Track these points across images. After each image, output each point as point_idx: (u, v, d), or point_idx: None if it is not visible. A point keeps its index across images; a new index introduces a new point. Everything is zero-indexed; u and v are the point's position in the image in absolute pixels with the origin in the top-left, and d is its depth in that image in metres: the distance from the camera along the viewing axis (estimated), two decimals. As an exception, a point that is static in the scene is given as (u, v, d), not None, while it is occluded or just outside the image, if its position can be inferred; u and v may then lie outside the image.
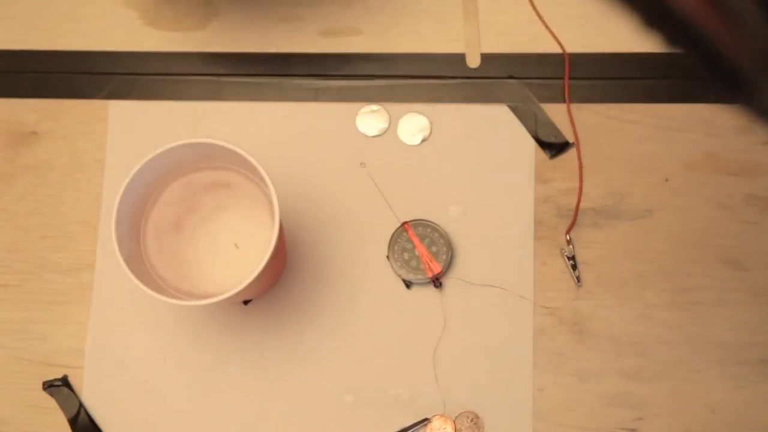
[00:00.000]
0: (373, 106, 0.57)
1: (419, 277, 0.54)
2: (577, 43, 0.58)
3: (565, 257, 0.54)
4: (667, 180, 0.56)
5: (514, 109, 0.57)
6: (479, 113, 0.57)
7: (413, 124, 0.55)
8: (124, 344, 0.55)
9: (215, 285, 0.49)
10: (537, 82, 0.58)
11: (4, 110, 0.59)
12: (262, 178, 0.46)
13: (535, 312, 0.54)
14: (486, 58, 0.58)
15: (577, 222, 0.54)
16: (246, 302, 0.55)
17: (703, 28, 0.28)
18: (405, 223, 0.55)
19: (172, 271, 0.49)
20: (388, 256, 0.55)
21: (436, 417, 0.53)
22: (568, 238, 0.55)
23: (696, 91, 0.57)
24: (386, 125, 0.56)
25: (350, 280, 0.55)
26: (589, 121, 0.54)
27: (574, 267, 0.54)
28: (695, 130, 0.57)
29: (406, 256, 0.55)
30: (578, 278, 0.54)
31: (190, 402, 0.54)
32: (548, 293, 0.54)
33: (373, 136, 0.56)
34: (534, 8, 0.49)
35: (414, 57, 0.59)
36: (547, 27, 0.50)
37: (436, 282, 0.54)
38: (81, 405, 0.54)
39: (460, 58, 0.58)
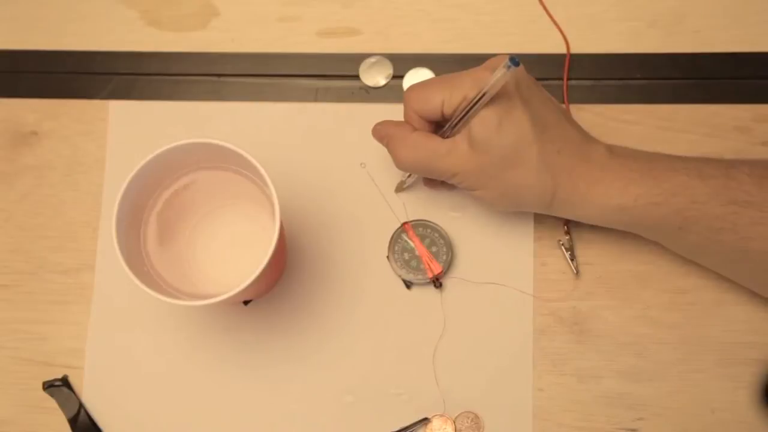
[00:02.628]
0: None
1: (419, 277, 0.54)
2: (576, 44, 0.58)
3: (563, 248, 0.54)
4: (666, 180, 0.56)
5: (514, 110, 0.57)
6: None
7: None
8: (124, 344, 0.55)
9: (215, 285, 0.49)
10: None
11: (4, 110, 0.59)
12: (262, 179, 0.45)
13: (535, 312, 0.54)
14: (486, 58, 0.58)
15: (578, 222, 0.54)
16: (246, 302, 0.55)
17: None
18: (405, 223, 0.55)
19: (172, 271, 0.49)
20: (388, 256, 0.55)
21: (436, 417, 0.53)
22: (566, 228, 0.55)
23: (696, 92, 0.57)
24: None
25: (350, 280, 0.55)
26: (589, 121, 0.54)
27: (572, 258, 0.54)
28: (695, 130, 0.57)
29: (406, 256, 0.55)
30: (577, 270, 0.54)
31: (190, 402, 0.54)
32: (548, 293, 0.54)
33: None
34: (543, 6, 0.50)
35: (414, 57, 0.59)
36: (556, 24, 0.51)
37: (437, 282, 0.54)
38: (81, 405, 0.54)
39: (459, 58, 0.58)
